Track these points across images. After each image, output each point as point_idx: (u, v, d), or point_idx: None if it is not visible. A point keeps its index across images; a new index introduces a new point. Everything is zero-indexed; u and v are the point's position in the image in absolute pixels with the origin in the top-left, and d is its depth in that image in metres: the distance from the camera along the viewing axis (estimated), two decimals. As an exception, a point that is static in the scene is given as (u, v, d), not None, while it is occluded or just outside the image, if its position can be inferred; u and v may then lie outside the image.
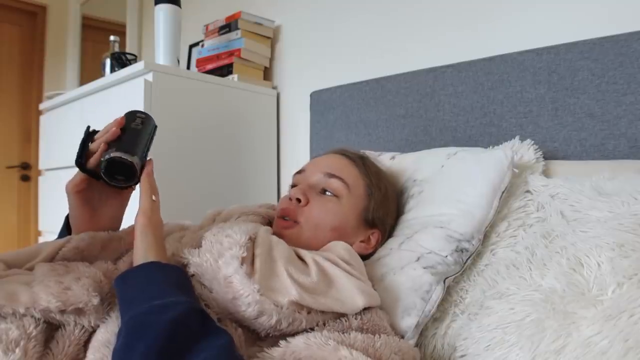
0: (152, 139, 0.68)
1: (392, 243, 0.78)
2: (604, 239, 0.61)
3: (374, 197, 0.79)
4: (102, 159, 0.60)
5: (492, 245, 0.77)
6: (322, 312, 0.56)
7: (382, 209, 0.80)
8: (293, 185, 0.82)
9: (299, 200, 0.75)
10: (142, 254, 0.56)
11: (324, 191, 0.77)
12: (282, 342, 0.52)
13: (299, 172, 0.83)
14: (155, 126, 0.70)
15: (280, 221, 0.75)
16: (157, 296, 0.48)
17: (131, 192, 0.70)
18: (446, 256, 0.71)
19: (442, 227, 0.74)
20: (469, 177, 0.80)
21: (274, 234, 0.70)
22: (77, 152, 0.64)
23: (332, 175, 0.77)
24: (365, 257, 0.76)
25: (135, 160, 0.60)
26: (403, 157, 0.98)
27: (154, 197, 0.61)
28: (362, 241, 0.78)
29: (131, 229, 0.68)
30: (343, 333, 0.54)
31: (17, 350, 0.45)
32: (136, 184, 0.62)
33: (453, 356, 0.67)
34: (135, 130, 0.66)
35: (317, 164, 0.82)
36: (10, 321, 0.48)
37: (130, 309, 0.47)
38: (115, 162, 0.60)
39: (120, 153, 0.60)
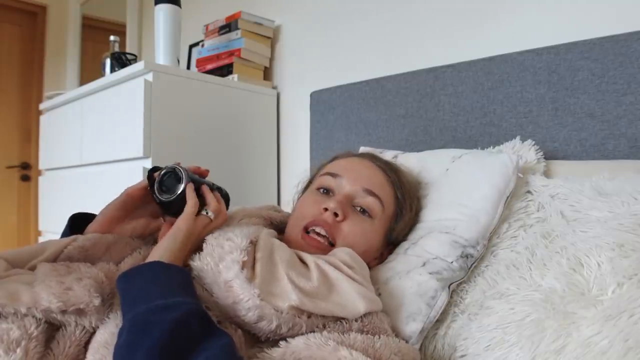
0: (215, 189, 0.71)
1: (397, 248, 0.78)
2: (604, 239, 0.61)
3: (403, 217, 0.77)
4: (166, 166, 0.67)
5: (492, 246, 0.77)
6: (323, 316, 0.55)
7: (406, 229, 0.78)
8: (321, 188, 0.76)
9: (336, 214, 0.70)
10: (158, 253, 0.57)
11: (359, 208, 0.73)
12: (282, 343, 0.52)
13: (331, 175, 0.77)
14: (228, 198, 0.75)
15: (311, 238, 0.70)
16: (159, 296, 0.48)
17: (156, 228, 0.72)
18: (452, 262, 0.71)
19: (448, 233, 0.74)
20: (475, 182, 0.79)
21: (294, 243, 0.70)
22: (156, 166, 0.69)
23: (371, 193, 0.73)
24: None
25: (185, 177, 0.65)
26: (406, 156, 0.98)
27: (209, 213, 0.64)
28: (375, 258, 0.77)
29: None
30: (343, 334, 0.54)
31: (18, 350, 0.45)
32: (170, 210, 0.66)
33: (453, 356, 0.67)
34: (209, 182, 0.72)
35: (355, 173, 0.76)
36: (11, 321, 0.48)
37: (133, 308, 0.47)
38: (173, 173, 0.65)
39: (181, 168, 0.66)
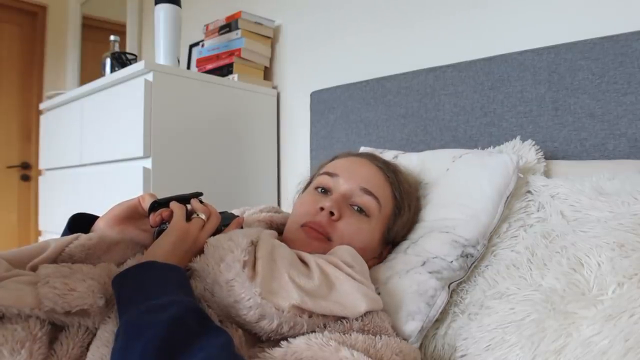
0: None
1: (397, 247, 0.78)
2: (604, 239, 0.61)
3: (402, 217, 0.77)
4: (161, 226, 0.66)
5: (492, 246, 0.77)
6: (324, 315, 0.55)
7: (406, 228, 0.78)
8: (318, 187, 0.77)
9: (332, 213, 0.71)
10: (152, 253, 0.57)
11: (356, 207, 0.73)
12: (283, 343, 0.51)
13: (328, 174, 0.77)
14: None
15: (312, 231, 0.71)
16: (154, 295, 0.48)
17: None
18: (451, 261, 0.71)
19: (448, 232, 0.74)
20: (475, 182, 0.79)
21: (292, 239, 0.70)
22: (169, 198, 0.67)
23: (368, 192, 0.74)
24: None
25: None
26: (406, 157, 0.98)
27: (200, 215, 0.64)
28: (375, 257, 0.77)
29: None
30: (344, 334, 0.54)
31: (22, 351, 0.45)
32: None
33: (453, 356, 0.67)
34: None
35: (352, 172, 0.77)
36: (15, 322, 0.48)
37: (128, 309, 0.47)
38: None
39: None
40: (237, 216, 0.73)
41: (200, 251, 0.60)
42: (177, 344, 0.42)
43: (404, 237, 0.79)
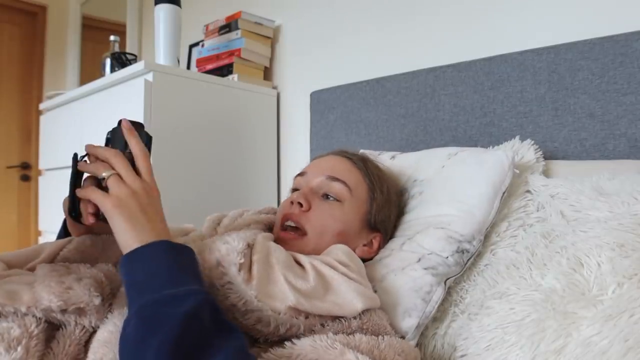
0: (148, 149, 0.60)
1: (393, 244, 0.78)
2: (604, 239, 0.61)
3: (376, 200, 0.78)
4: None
5: (492, 245, 0.77)
6: (320, 315, 0.56)
7: (384, 212, 0.79)
8: (294, 189, 0.81)
9: (300, 204, 0.74)
10: (124, 240, 0.50)
11: (326, 195, 0.76)
12: (287, 343, 0.52)
13: (300, 175, 0.81)
14: (150, 137, 0.62)
15: (285, 233, 0.73)
16: (167, 283, 0.46)
17: None
18: (447, 257, 0.71)
19: (443, 228, 0.74)
20: (470, 178, 0.79)
21: (277, 242, 0.70)
22: (69, 198, 0.57)
23: (334, 179, 0.76)
24: (366, 260, 0.76)
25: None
26: (403, 156, 0.98)
27: (106, 173, 0.53)
28: (364, 245, 0.77)
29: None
30: (347, 334, 0.54)
31: (19, 348, 0.45)
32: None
33: (453, 356, 0.67)
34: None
35: (318, 166, 0.81)
36: (12, 320, 0.48)
37: (141, 296, 0.45)
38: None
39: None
40: (147, 133, 0.61)
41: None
42: (192, 343, 0.41)
43: (384, 222, 0.79)
